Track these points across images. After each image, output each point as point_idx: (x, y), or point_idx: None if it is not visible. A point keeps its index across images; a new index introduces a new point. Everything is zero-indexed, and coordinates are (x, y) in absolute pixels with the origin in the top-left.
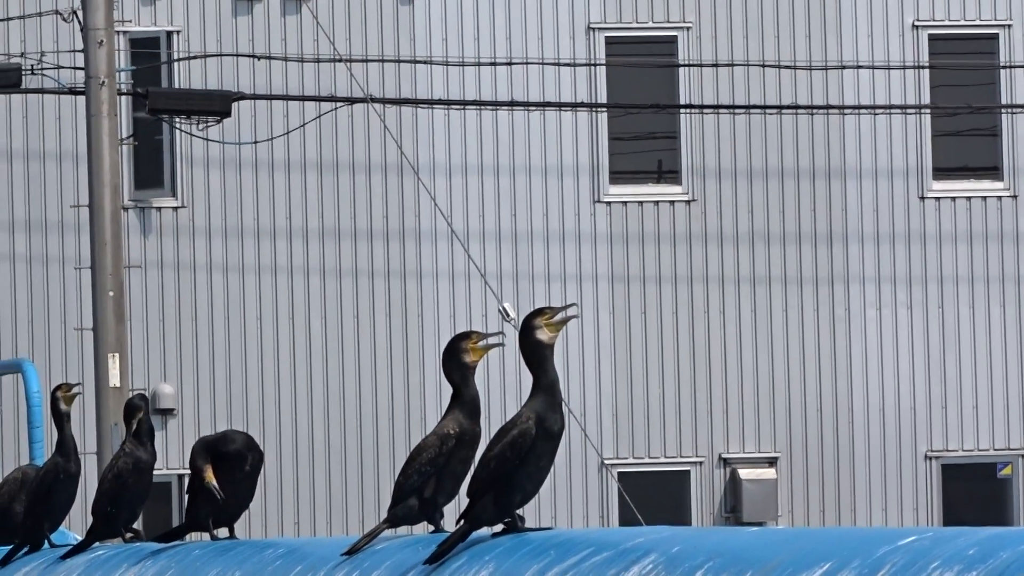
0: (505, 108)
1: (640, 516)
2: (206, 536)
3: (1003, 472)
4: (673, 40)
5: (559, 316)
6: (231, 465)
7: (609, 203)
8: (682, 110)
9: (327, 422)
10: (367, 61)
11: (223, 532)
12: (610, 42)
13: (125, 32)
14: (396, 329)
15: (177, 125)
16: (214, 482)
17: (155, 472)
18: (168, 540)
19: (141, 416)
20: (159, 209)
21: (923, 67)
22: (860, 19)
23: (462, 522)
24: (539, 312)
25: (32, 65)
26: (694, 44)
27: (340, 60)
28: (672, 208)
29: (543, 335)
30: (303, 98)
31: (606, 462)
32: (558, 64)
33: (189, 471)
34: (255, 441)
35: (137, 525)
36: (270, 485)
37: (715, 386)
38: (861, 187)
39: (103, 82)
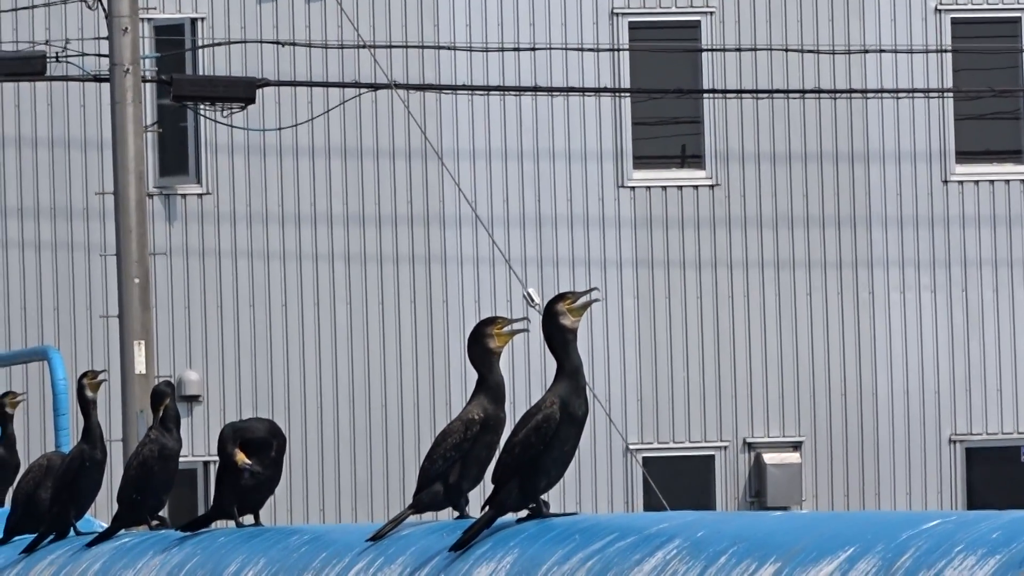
0: (529, 93)
1: (665, 501)
2: (232, 523)
3: None
4: (696, 25)
5: (581, 300)
6: (256, 452)
7: (633, 188)
8: (705, 95)
9: (352, 408)
10: (391, 47)
11: (248, 519)
12: (633, 27)
13: (149, 19)
14: (421, 315)
15: (202, 112)
16: (247, 461)
17: (181, 459)
18: (194, 529)
19: (167, 403)
20: (184, 196)
21: (946, 51)
22: (883, 3)
23: (487, 508)
24: (561, 297)
25: (57, 52)
26: (717, 29)
27: (364, 46)
28: (695, 193)
29: (566, 320)
30: (327, 84)
31: (631, 447)
32: (581, 49)
33: (218, 458)
34: (278, 427)
35: (163, 512)
36: (295, 472)
37: (739, 370)
38: (884, 171)
39: (128, 69)
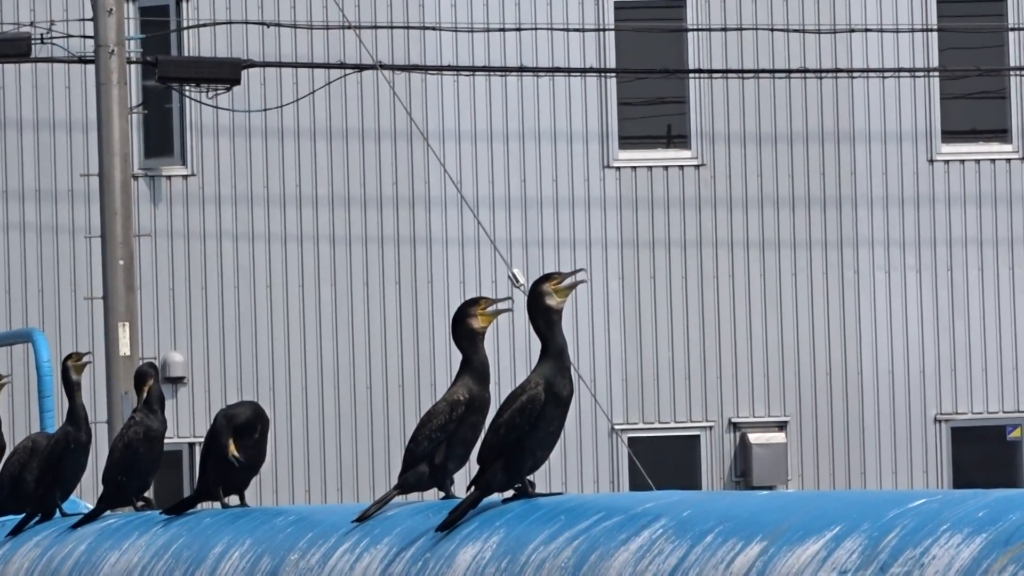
0: (514, 74)
1: (650, 481)
2: (216, 504)
3: (1012, 435)
4: (682, 4)
5: (567, 281)
6: (242, 434)
7: (618, 168)
8: (691, 75)
9: (337, 389)
10: (376, 28)
11: (234, 500)
12: (619, 7)
13: (134, 0)
14: (406, 296)
15: (187, 93)
16: (236, 454)
17: (166, 441)
18: (179, 512)
19: (151, 384)
20: (169, 178)
21: (932, 30)
22: None
23: (473, 488)
24: (547, 277)
25: (42, 34)
26: (703, 8)
27: (349, 27)
28: (681, 173)
29: (551, 300)
30: (312, 65)
31: (616, 427)
32: (567, 29)
33: (205, 441)
34: (262, 409)
35: (148, 493)
36: (281, 453)
37: (724, 350)
38: (870, 150)
39: (112, 51)
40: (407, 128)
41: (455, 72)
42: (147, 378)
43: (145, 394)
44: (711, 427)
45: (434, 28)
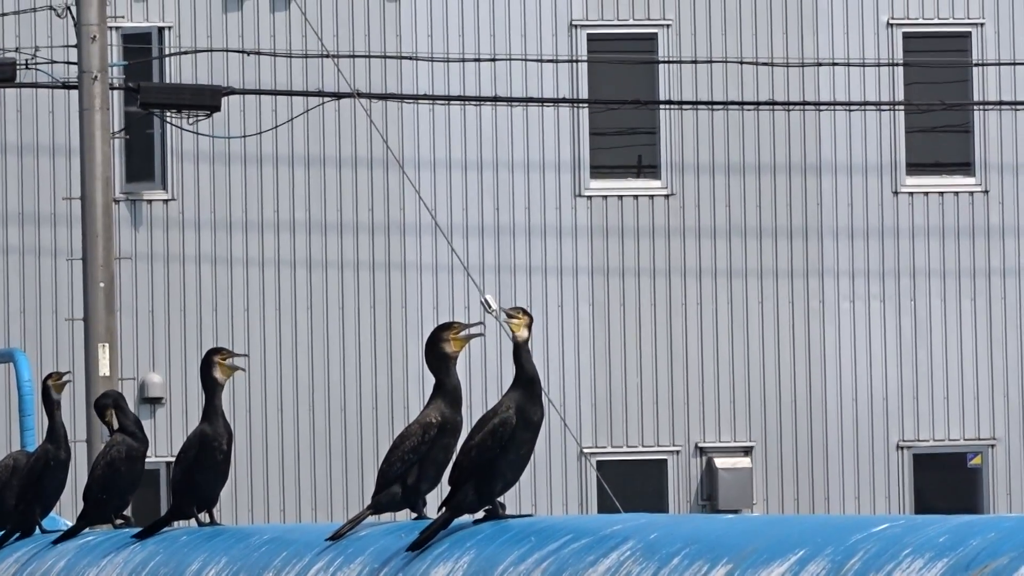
0: (489, 104)
1: (618, 504)
2: (187, 522)
3: (973, 461)
4: (653, 37)
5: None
6: (209, 451)
7: (589, 197)
8: (662, 106)
9: (312, 411)
10: (354, 57)
11: (203, 516)
12: (592, 39)
13: (117, 28)
14: (380, 320)
15: (168, 119)
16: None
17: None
18: (152, 533)
19: (110, 411)
20: (150, 202)
21: (897, 64)
22: (836, 17)
23: (444, 509)
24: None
25: (26, 60)
26: (674, 41)
27: (327, 56)
28: (651, 202)
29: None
30: (291, 93)
31: (585, 451)
32: (540, 60)
33: (175, 462)
34: (227, 423)
35: (127, 512)
36: (256, 473)
37: (692, 377)
38: (836, 182)
39: (96, 77)
40: (383, 156)
41: (431, 101)
42: (106, 409)
43: (115, 422)
44: (678, 451)
45: (411, 58)
